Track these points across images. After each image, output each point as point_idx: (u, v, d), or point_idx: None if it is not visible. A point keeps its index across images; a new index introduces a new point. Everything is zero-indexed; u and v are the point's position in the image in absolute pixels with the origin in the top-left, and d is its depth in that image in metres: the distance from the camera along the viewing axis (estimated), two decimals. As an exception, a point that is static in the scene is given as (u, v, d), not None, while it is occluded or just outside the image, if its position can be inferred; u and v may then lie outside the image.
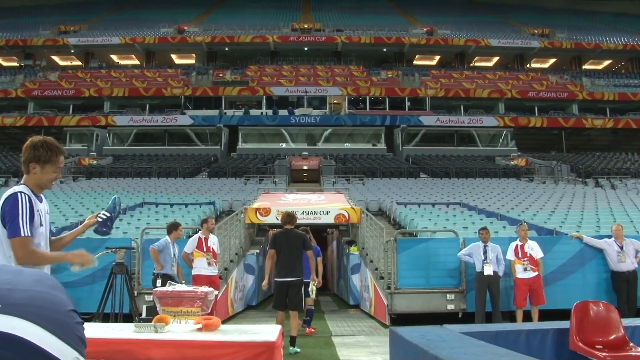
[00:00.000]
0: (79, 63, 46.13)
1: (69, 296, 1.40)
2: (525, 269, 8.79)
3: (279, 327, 3.20)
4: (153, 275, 7.91)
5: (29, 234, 2.78)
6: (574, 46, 45.45)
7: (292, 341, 7.12)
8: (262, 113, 38.88)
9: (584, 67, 46.90)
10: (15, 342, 1.23)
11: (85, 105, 39.62)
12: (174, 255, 7.99)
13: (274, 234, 7.77)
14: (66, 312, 1.33)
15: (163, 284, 6.65)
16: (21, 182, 2.95)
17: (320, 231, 23.14)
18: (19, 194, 2.83)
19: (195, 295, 4.39)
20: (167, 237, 8.08)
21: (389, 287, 9.86)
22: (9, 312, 1.25)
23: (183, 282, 7.67)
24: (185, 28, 46.40)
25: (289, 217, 7.47)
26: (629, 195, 21.50)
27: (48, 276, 1.42)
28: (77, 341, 1.34)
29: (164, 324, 3.11)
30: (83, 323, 1.39)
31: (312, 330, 9.19)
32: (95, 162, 31.98)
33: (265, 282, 7.52)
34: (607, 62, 48.16)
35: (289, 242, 7.24)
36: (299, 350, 7.06)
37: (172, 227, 8.15)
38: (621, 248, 9.02)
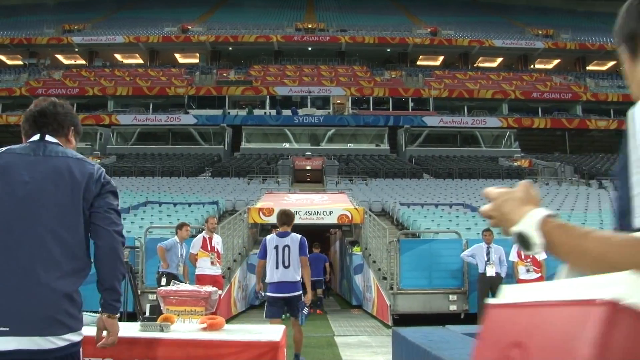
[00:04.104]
0: (83, 62, 46.21)
1: None
2: (528, 271, 8.80)
3: (283, 327, 3.23)
4: (157, 274, 7.96)
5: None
6: (578, 47, 45.29)
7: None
8: (265, 113, 38.88)
9: (588, 68, 46.70)
10: None
11: (89, 104, 39.67)
12: (181, 255, 8.08)
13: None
14: None
15: (167, 283, 6.70)
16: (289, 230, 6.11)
17: (323, 231, 23.17)
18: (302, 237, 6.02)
19: (199, 295, 4.42)
20: (175, 236, 8.22)
21: (391, 288, 9.88)
22: None
23: (187, 282, 7.74)
24: (189, 27, 46.42)
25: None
26: (632, 197, 21.43)
27: None
28: None
29: (170, 324, 3.13)
30: None
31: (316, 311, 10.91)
32: (98, 160, 31.95)
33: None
34: (611, 63, 47.94)
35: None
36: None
37: (177, 228, 8.33)
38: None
